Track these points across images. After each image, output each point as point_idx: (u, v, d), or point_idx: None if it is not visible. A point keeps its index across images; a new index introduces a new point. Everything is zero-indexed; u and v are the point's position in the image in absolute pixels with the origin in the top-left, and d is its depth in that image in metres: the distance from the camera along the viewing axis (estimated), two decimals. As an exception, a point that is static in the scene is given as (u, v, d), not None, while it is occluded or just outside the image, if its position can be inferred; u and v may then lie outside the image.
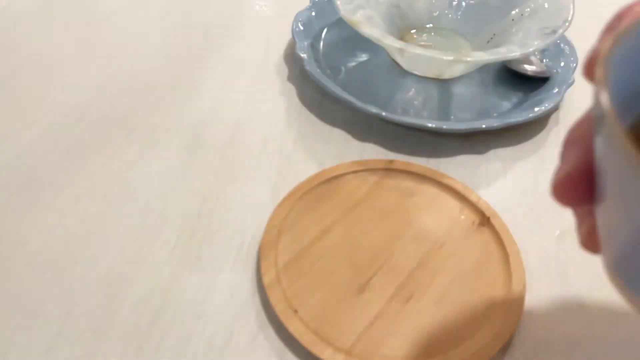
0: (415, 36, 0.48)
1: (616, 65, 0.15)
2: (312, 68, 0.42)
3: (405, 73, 0.45)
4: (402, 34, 0.47)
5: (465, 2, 0.48)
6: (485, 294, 0.30)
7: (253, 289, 0.31)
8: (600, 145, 0.15)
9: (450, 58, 0.37)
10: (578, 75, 0.44)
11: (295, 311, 0.29)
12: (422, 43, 0.47)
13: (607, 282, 0.34)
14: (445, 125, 0.38)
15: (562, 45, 0.46)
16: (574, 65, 0.44)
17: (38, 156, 0.38)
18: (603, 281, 0.32)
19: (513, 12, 0.44)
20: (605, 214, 0.16)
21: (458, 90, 0.44)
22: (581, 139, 0.18)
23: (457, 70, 0.43)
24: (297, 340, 0.28)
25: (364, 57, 0.47)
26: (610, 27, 0.18)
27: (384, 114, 0.39)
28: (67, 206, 0.35)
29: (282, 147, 0.39)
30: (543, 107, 0.40)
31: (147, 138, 0.39)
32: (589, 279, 0.32)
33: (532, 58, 0.45)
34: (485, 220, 0.34)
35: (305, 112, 0.42)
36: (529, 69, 0.44)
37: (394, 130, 0.41)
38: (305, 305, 0.29)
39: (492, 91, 0.44)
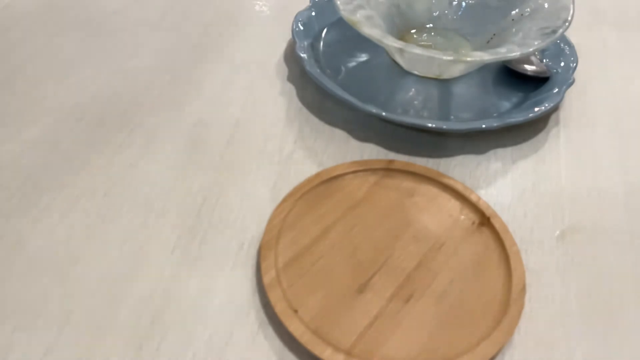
0: (415, 36, 0.48)
1: None
2: (312, 68, 0.42)
3: (405, 73, 0.45)
4: (402, 34, 0.47)
5: (465, 2, 0.48)
6: (485, 294, 0.30)
7: (253, 289, 0.31)
8: None
9: (450, 58, 0.37)
10: (578, 75, 0.44)
11: (295, 311, 0.29)
12: (422, 43, 0.47)
13: (606, 282, 0.34)
14: (445, 125, 0.38)
15: (562, 45, 0.46)
16: (574, 65, 0.44)
17: (38, 156, 0.38)
18: (603, 281, 0.32)
19: (513, 12, 0.44)
20: None
21: (458, 90, 0.44)
22: None
23: (457, 70, 0.43)
24: (297, 340, 0.28)
25: (364, 57, 0.47)
26: None
27: (384, 114, 0.39)
28: (67, 206, 0.35)
29: (282, 147, 0.39)
30: (543, 107, 0.40)
31: (147, 138, 0.39)
32: (589, 279, 0.32)
33: (532, 58, 0.45)
34: (485, 220, 0.34)
35: (305, 112, 0.42)
36: (529, 69, 0.44)
37: (394, 130, 0.41)
38: (305, 305, 0.29)
39: (492, 91, 0.44)
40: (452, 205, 0.35)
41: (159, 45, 0.48)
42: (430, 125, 0.38)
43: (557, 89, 0.41)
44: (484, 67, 0.45)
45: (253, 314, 0.30)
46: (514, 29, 0.43)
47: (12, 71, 0.45)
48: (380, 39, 0.38)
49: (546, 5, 0.42)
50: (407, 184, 0.36)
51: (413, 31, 0.48)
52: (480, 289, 0.30)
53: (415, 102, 0.43)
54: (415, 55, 0.38)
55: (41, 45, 0.48)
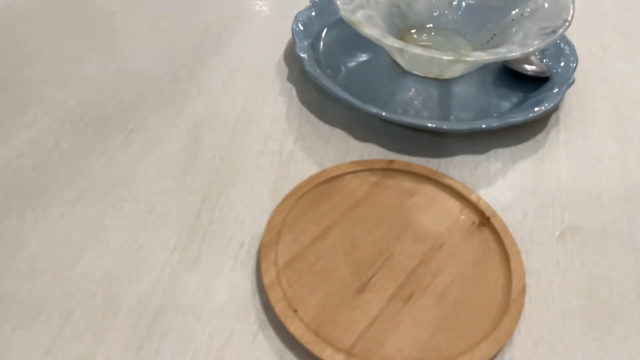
0: (415, 36, 0.48)
1: None
2: (312, 68, 0.42)
3: (405, 73, 0.45)
4: (402, 34, 0.47)
5: (465, 2, 0.48)
6: (485, 294, 0.30)
7: (253, 289, 0.31)
8: None
9: (450, 58, 0.37)
10: (578, 75, 0.44)
11: (295, 311, 0.29)
12: (422, 43, 0.47)
13: (606, 282, 0.34)
14: (445, 125, 0.38)
15: (562, 45, 0.46)
16: (574, 65, 0.44)
17: (38, 156, 0.38)
18: (603, 281, 0.32)
19: (513, 12, 0.44)
20: None
21: (458, 90, 0.44)
22: None
23: (457, 70, 0.43)
24: (297, 340, 0.28)
25: (364, 57, 0.47)
26: None
27: (384, 114, 0.39)
28: (67, 206, 0.35)
29: (282, 147, 0.39)
30: (543, 107, 0.40)
31: (147, 138, 0.39)
32: (589, 279, 0.32)
33: (532, 58, 0.45)
34: (485, 220, 0.34)
35: (305, 112, 0.42)
36: (529, 69, 0.44)
37: (394, 130, 0.41)
38: (305, 305, 0.29)
39: (492, 91, 0.44)
40: (452, 205, 0.35)
41: (159, 45, 0.48)
42: (430, 125, 0.38)
43: (557, 89, 0.41)
44: (484, 67, 0.45)
45: (253, 314, 0.30)
46: (514, 29, 0.43)
47: (12, 71, 0.45)
48: (380, 39, 0.38)
49: (546, 5, 0.42)
50: (407, 184, 0.36)
51: (413, 31, 0.48)
52: (480, 289, 0.30)
53: (415, 102, 0.43)
54: (415, 55, 0.38)
55: (41, 45, 0.48)
